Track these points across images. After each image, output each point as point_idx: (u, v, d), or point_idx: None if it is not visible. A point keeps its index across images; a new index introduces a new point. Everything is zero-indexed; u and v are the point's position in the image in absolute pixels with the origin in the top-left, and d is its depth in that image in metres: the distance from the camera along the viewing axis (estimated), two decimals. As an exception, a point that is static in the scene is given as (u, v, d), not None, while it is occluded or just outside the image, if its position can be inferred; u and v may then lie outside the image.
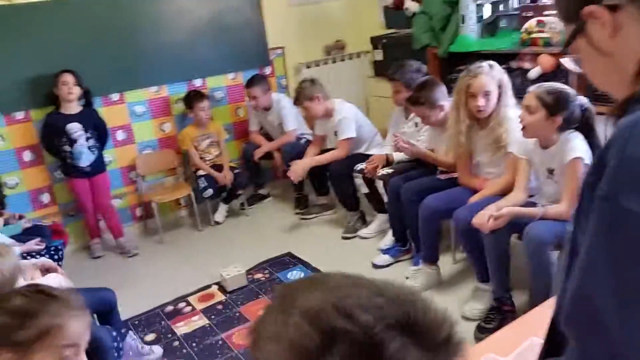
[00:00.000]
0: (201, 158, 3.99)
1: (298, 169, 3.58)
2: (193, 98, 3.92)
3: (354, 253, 3.32)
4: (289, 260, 3.34)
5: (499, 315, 2.38)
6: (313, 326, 0.49)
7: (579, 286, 0.66)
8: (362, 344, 0.48)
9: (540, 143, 2.33)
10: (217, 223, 4.01)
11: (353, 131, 3.54)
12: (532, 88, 2.29)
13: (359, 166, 3.41)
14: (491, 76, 2.52)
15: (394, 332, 0.48)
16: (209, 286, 3.11)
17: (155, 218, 3.85)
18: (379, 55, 4.29)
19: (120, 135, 3.91)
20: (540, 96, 2.21)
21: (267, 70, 4.38)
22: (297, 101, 3.63)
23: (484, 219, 2.24)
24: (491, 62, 2.60)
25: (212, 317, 2.82)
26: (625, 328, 0.61)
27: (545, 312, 1.58)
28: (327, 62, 4.61)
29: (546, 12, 3.04)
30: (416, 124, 3.27)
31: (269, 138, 4.23)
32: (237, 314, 2.81)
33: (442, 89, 2.90)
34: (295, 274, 3.16)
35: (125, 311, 2.86)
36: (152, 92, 3.99)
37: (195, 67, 4.09)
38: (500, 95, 2.54)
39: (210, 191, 3.88)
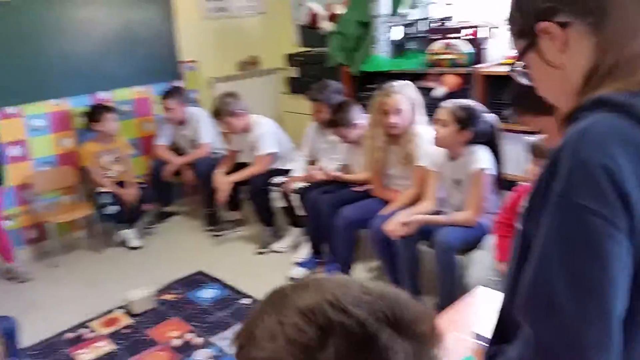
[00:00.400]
0: (104, 175, 3.75)
1: (224, 190, 3.48)
2: (99, 111, 3.70)
3: (270, 267, 3.27)
4: (200, 279, 3.21)
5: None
6: (310, 322, 0.52)
7: (535, 275, 0.69)
8: (357, 336, 0.51)
9: (449, 155, 2.45)
10: (135, 248, 3.74)
11: (274, 146, 3.52)
12: (445, 104, 2.42)
13: (277, 180, 3.38)
14: (404, 94, 2.63)
15: (383, 325, 0.52)
16: (112, 310, 2.90)
17: (51, 240, 3.54)
18: (294, 72, 4.33)
19: (14, 151, 3.59)
20: (454, 111, 2.34)
21: (178, 84, 4.26)
22: (218, 115, 3.52)
23: (395, 226, 2.31)
24: (405, 81, 2.70)
25: (120, 342, 2.62)
26: (579, 315, 0.65)
27: (462, 309, 1.65)
28: (240, 78, 4.57)
29: (452, 35, 3.23)
30: (332, 141, 3.32)
31: (179, 153, 4.08)
32: (146, 338, 2.64)
33: (357, 109, 2.98)
34: (208, 293, 3.04)
35: (23, 340, 2.59)
36: (52, 105, 3.71)
37: (101, 79, 3.88)
38: (412, 112, 2.63)
39: (114, 208, 3.65)
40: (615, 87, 0.71)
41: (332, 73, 3.86)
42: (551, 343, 0.68)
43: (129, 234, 3.77)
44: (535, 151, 2.09)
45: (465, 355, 1.42)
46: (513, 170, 2.71)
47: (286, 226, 3.55)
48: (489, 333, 1.40)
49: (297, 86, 4.30)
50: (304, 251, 3.25)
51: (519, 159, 2.87)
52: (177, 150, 4.10)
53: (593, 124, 0.68)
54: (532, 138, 2.17)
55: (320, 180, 3.15)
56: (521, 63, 0.83)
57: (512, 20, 0.83)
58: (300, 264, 3.14)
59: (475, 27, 3.13)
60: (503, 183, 2.46)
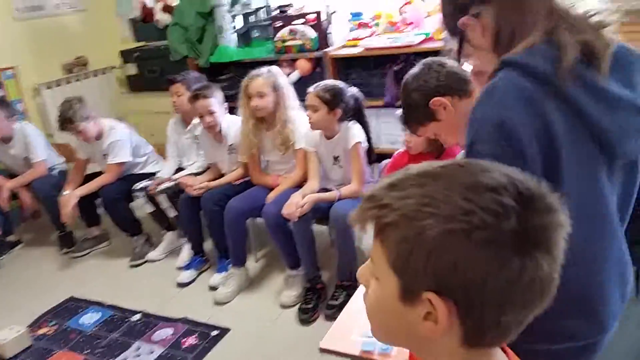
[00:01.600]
0: None
1: (68, 207, 3.15)
2: None
3: (151, 278, 3.10)
4: (75, 305, 2.92)
5: (314, 294, 2.57)
6: (502, 195, 0.54)
7: None
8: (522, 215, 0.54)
9: (324, 135, 2.60)
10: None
11: (128, 155, 3.29)
12: (310, 89, 2.53)
13: (140, 185, 3.19)
14: (266, 79, 2.68)
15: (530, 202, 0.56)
16: (-22, 360, 2.50)
17: None
18: (132, 69, 4.07)
19: None
20: (320, 94, 2.47)
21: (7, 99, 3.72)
22: (71, 124, 3.14)
23: (292, 208, 2.40)
24: (271, 67, 2.76)
25: (-2, 393, 2.29)
26: None
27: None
28: (69, 81, 4.15)
29: (295, 22, 3.37)
30: (195, 137, 3.24)
31: (11, 175, 3.59)
32: (31, 380, 2.34)
33: (221, 95, 2.94)
34: (89, 317, 2.78)
35: None
36: None
37: None
38: (280, 97, 2.71)
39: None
40: (517, 50, 0.88)
41: (177, 66, 3.74)
42: None
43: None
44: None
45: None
46: (377, 142, 3.00)
47: (158, 232, 3.38)
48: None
49: (138, 84, 4.07)
50: (185, 253, 3.15)
51: (379, 132, 3.18)
52: (6, 172, 3.60)
53: (495, 83, 0.85)
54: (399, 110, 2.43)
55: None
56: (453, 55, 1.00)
57: (443, 23, 1.00)
58: (186, 267, 3.04)
59: (317, 12, 3.32)
60: (372, 154, 2.69)
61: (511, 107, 0.81)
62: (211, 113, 2.85)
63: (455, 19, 0.93)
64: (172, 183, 3.11)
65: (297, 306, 2.57)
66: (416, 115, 1.41)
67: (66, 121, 3.14)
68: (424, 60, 1.46)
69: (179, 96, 3.13)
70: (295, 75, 3.42)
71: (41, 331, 2.69)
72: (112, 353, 2.46)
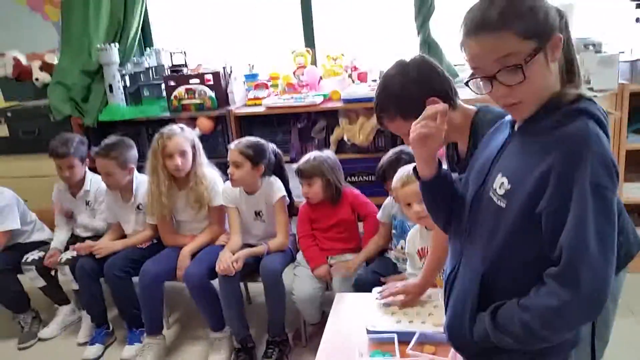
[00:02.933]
0: None
1: None
2: None
3: (47, 359, 2.75)
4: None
5: (246, 354, 2.52)
6: None
7: (574, 242, 0.93)
8: None
9: (245, 190, 2.63)
10: None
11: (17, 222, 2.94)
12: (232, 145, 2.58)
13: (30, 257, 2.86)
14: (184, 137, 2.67)
15: None
16: None
17: None
18: (2, 130, 3.67)
19: None
20: (243, 151, 2.52)
21: None
22: None
23: (227, 263, 2.38)
24: (181, 124, 2.74)
25: None
26: (606, 262, 0.93)
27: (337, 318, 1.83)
28: None
29: (191, 81, 3.40)
30: (87, 202, 3.02)
31: None
32: None
33: (134, 153, 2.83)
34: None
35: None
36: None
37: None
38: (194, 155, 2.70)
39: None
40: (575, 90, 1.01)
41: (60, 126, 3.48)
42: (589, 291, 0.91)
43: None
44: (304, 173, 2.52)
45: (370, 353, 1.65)
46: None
47: (47, 307, 3.02)
48: (380, 326, 1.67)
49: (10, 146, 3.67)
50: (86, 327, 2.86)
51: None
52: None
53: (591, 131, 0.95)
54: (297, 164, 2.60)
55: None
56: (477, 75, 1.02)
57: (525, 18, 0.96)
58: (90, 342, 2.76)
59: (216, 72, 3.40)
60: (292, 207, 2.79)
61: (608, 148, 0.96)
62: (109, 174, 2.74)
63: (550, 29, 0.97)
64: (73, 252, 2.84)
65: (236, 365, 2.49)
66: (403, 105, 1.41)
67: None
68: (421, 57, 1.48)
69: (71, 169, 2.91)
70: (196, 133, 3.41)
71: None
72: None
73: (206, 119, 3.39)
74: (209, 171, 2.75)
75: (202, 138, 3.32)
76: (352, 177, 3.24)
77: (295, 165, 2.65)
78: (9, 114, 3.62)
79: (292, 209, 2.77)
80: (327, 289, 2.52)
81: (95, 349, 2.72)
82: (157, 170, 2.65)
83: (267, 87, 3.50)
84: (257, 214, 2.67)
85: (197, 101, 3.40)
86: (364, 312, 1.80)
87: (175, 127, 2.69)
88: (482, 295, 1.07)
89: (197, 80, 3.39)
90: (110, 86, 3.45)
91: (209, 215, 2.75)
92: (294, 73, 3.47)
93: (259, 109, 3.28)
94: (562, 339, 1.01)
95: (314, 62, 3.58)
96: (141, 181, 2.84)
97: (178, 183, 2.72)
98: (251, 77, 3.57)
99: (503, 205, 1.02)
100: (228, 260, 2.39)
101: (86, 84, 3.54)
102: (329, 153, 2.65)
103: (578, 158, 0.92)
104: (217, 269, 2.40)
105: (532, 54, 0.95)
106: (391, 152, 2.47)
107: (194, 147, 2.70)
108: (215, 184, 2.72)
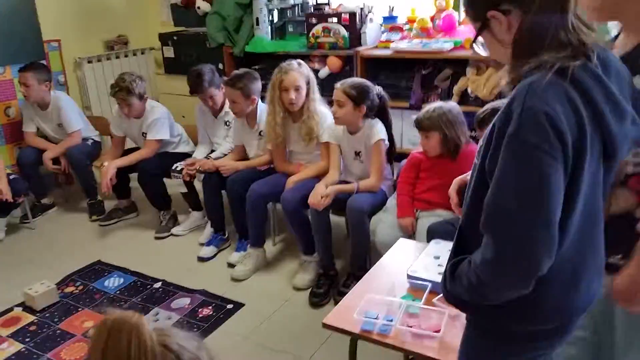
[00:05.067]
0: None
1: (107, 177, 3.33)
2: None
3: (174, 251, 3.28)
4: (101, 268, 3.11)
5: (327, 280, 2.71)
6: None
7: (494, 196, 0.93)
8: None
9: (348, 130, 2.73)
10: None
11: (167, 133, 3.47)
12: (338, 85, 2.66)
13: (178, 166, 3.35)
14: (300, 73, 2.82)
15: None
16: (10, 309, 2.71)
17: None
18: (169, 52, 4.25)
19: None
20: (347, 90, 2.60)
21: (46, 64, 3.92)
22: (126, 94, 3.29)
23: (318, 198, 2.54)
24: (299, 60, 2.90)
25: (27, 340, 2.48)
26: (529, 225, 0.90)
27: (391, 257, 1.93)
28: (109, 58, 4.35)
29: (330, 20, 3.51)
30: (226, 123, 3.40)
31: (49, 141, 3.80)
32: (57, 332, 2.53)
33: (259, 85, 3.07)
34: (113, 281, 2.97)
35: None
36: None
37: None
38: (308, 90, 2.85)
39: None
40: (547, 57, 0.93)
41: (213, 53, 3.91)
42: (509, 247, 0.91)
43: (-3, 226, 3.48)
44: (422, 126, 2.48)
45: (402, 294, 1.73)
46: (398, 141, 3.14)
47: (185, 209, 3.56)
48: (420, 273, 1.73)
49: (173, 66, 4.25)
50: (208, 231, 3.32)
51: (402, 132, 3.32)
52: (44, 138, 3.81)
53: (537, 81, 0.91)
54: (417, 114, 2.56)
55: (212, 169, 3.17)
56: (480, 39, 1.06)
57: (467, 9, 1.08)
58: (207, 243, 3.21)
59: (352, 12, 3.45)
60: (393, 153, 2.83)
61: (553, 102, 0.89)
62: (234, 102, 3.02)
63: (486, 9, 1.00)
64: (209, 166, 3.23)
65: (309, 290, 2.72)
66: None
67: (122, 90, 3.29)
68: None
69: (212, 98, 3.28)
70: (325, 71, 3.56)
71: (68, 289, 2.89)
72: (134, 315, 2.63)
73: (336, 58, 3.51)
74: (322, 108, 2.89)
75: (330, 77, 3.50)
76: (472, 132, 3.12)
77: (414, 115, 2.63)
78: (175, 38, 4.15)
79: (391, 154, 2.81)
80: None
81: (210, 250, 3.16)
82: (274, 102, 2.86)
83: (401, 31, 3.46)
84: (357, 154, 2.76)
85: (331, 40, 3.51)
86: (417, 258, 1.85)
87: (293, 63, 2.85)
88: (459, 248, 1.09)
89: (334, 19, 3.49)
90: (257, 20, 3.73)
91: (319, 149, 2.92)
92: (431, 18, 3.36)
93: (386, 52, 3.28)
94: (503, 299, 0.98)
95: (456, 7, 3.40)
96: (264, 110, 3.10)
97: (292, 115, 2.92)
98: (389, 19, 3.55)
99: (477, 161, 1.04)
100: (319, 195, 2.55)
101: (239, 16, 3.86)
102: (452, 105, 2.52)
103: (510, 114, 0.91)
104: (308, 200, 2.58)
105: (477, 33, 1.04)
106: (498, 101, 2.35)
107: (308, 83, 2.84)
108: (326, 120, 2.85)
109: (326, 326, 1.63)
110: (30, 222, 3.68)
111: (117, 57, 4.40)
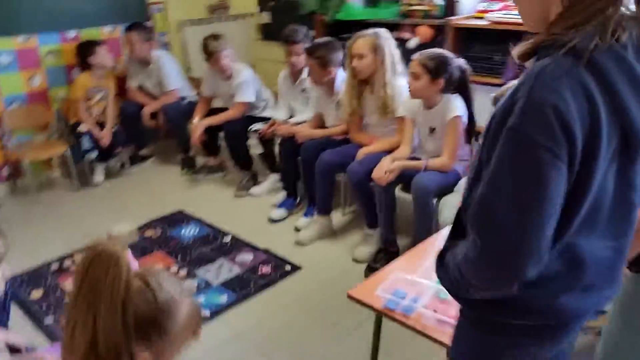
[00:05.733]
0: (88, 112, 3.76)
1: (197, 133, 3.53)
2: (91, 45, 3.70)
3: (249, 209, 3.41)
4: (180, 217, 3.33)
5: (385, 255, 2.66)
6: None
7: (484, 194, 0.83)
8: None
9: (424, 104, 2.61)
10: (97, 184, 3.82)
11: (252, 96, 3.58)
12: (415, 56, 2.54)
13: (255, 127, 3.46)
14: (367, 41, 2.72)
15: None
16: (97, 245, 3.00)
17: (26, 178, 3.56)
18: (266, 18, 4.33)
19: (-19, 88, 3.52)
20: (423, 62, 2.47)
21: (148, 25, 4.19)
22: (215, 55, 3.46)
23: (382, 172, 2.48)
24: (378, 29, 2.79)
25: (106, 274, 2.74)
26: (519, 228, 0.79)
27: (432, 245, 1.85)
28: (210, 22, 4.53)
29: (425, -13, 3.33)
30: (304, 90, 3.41)
31: (150, 96, 4.08)
32: (133, 271, 2.77)
33: (339, 55, 3.03)
34: (189, 230, 3.17)
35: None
36: (19, 42, 3.62)
37: (68, 17, 3.79)
38: (381, 61, 2.73)
39: (94, 153, 3.69)
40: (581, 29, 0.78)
41: (305, 20, 3.90)
42: (493, 250, 0.82)
43: (98, 171, 3.85)
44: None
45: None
46: (479, 120, 2.93)
47: (264, 172, 3.67)
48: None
49: (269, 32, 4.33)
50: (281, 194, 3.40)
51: (485, 110, 3.10)
52: (146, 94, 4.09)
53: (548, 66, 0.78)
54: (496, 91, 2.36)
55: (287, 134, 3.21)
56: None
57: None
58: (279, 206, 3.29)
59: (449, -21, 3.24)
60: (472, 132, 2.66)
61: (564, 92, 0.76)
62: (311, 71, 3.00)
63: None
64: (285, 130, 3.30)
65: (367, 263, 2.69)
66: None
67: (212, 52, 3.46)
68: None
69: (298, 56, 3.29)
70: (415, 41, 3.41)
71: (148, 233, 3.14)
72: (199, 263, 2.81)
73: (427, 28, 3.34)
74: (399, 80, 2.77)
75: (421, 47, 3.34)
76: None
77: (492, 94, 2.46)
78: (273, 3, 4.21)
79: (471, 133, 2.64)
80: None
81: (281, 212, 3.24)
82: (348, 69, 2.82)
83: (502, 0, 3.20)
84: (432, 130, 2.63)
85: (425, 7, 3.35)
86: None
87: (369, 31, 2.76)
88: (455, 232, 1.01)
89: (429, -13, 3.31)
90: (351, -15, 3.65)
91: (395, 123, 2.83)
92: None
93: (480, 23, 3.06)
94: (486, 297, 0.92)
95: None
96: (343, 79, 3.06)
97: (369, 86, 2.84)
98: (491, -13, 3.30)
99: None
100: (383, 169, 2.48)
101: (334, -18, 3.81)
102: None
103: (514, 103, 0.79)
104: (372, 174, 2.53)
105: None
106: None
107: (377, 52, 2.72)
108: (403, 94, 2.75)
109: (350, 298, 1.60)
110: (128, 170, 4.02)
111: (219, 22, 4.56)
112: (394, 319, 1.50)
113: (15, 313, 2.33)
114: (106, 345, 0.82)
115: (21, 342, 1.52)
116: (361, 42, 2.71)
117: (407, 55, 2.95)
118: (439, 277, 0.99)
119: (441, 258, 0.98)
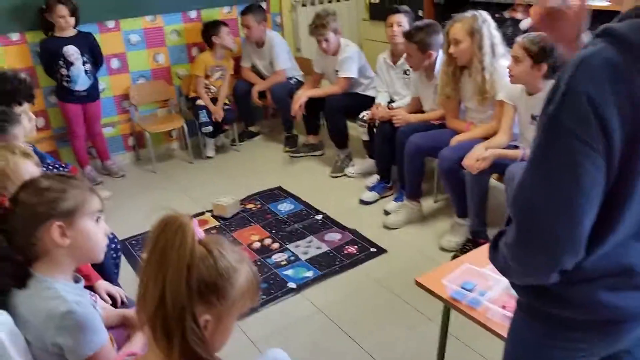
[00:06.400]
0: (207, 89, 4.05)
1: (297, 103, 3.64)
2: (217, 25, 3.96)
3: (342, 190, 3.49)
4: (279, 193, 3.50)
5: (474, 247, 2.58)
6: None
7: (523, 179, 0.84)
8: None
9: (526, 90, 2.47)
10: (209, 157, 4.12)
11: (355, 72, 3.61)
12: (518, 39, 2.40)
13: (364, 115, 3.46)
14: (463, 25, 2.61)
15: None
16: (202, 213, 3.26)
17: (148, 148, 3.94)
18: (377, -3, 4.32)
19: (114, 64, 3.93)
20: (526, 46, 2.33)
21: (263, 6, 4.37)
22: (322, 29, 3.52)
23: (473, 160, 2.40)
24: (477, 11, 2.66)
25: (207, 240, 2.99)
26: (553, 220, 0.80)
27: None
28: (322, 2, 4.61)
29: (543, -36, 3.10)
30: (405, 72, 3.37)
31: (260, 76, 4.28)
32: (231, 238, 2.98)
33: (439, 38, 2.95)
34: (285, 206, 3.32)
35: (121, 232, 3.01)
36: (147, 22, 3.98)
37: (190, -3, 4.07)
38: (478, 44, 2.61)
39: (210, 128, 3.97)
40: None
41: (413, 0, 3.83)
42: (528, 235, 0.83)
43: (209, 146, 4.13)
44: None
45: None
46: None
47: (363, 154, 3.70)
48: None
49: (377, 12, 4.30)
50: (375, 177, 3.42)
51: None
52: (257, 73, 4.29)
53: (591, 56, 0.76)
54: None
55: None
56: None
57: None
58: (371, 188, 3.32)
59: (572, -44, 2.99)
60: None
61: (602, 82, 0.76)
62: (410, 56, 2.94)
63: None
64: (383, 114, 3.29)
65: (454, 253, 2.64)
66: None
67: (318, 27, 3.54)
68: None
69: (399, 26, 3.26)
70: (527, 22, 3.18)
71: (249, 206, 3.34)
72: (289, 238, 2.94)
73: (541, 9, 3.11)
74: (500, 64, 2.64)
75: (532, 28, 3.13)
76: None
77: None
78: (382, -16, 4.17)
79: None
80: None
81: (372, 195, 3.28)
82: (445, 53, 2.74)
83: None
84: (533, 118, 2.48)
85: (542, -13, 3.12)
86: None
87: (467, 14, 2.65)
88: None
89: (549, -37, 3.08)
90: (463, -37, 3.50)
91: (494, 108, 2.72)
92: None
93: (599, 3, 2.79)
94: (526, 283, 0.93)
95: None
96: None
97: (468, 71, 2.74)
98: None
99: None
100: (475, 157, 2.40)
101: (446, -40, 3.68)
102: None
103: (557, 89, 0.79)
104: (463, 161, 2.46)
105: None
106: None
107: (474, 36, 2.60)
108: (503, 77, 2.62)
109: (418, 284, 1.60)
110: (237, 146, 4.28)
111: (330, 1, 4.63)
112: (460, 310, 1.49)
113: (127, 272, 2.63)
114: (172, 303, 0.90)
115: (121, 294, 1.72)
116: (458, 26, 2.62)
117: (518, 36, 2.78)
118: (491, 260, 0.99)
119: (495, 242, 0.98)
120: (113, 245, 2.22)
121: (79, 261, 1.38)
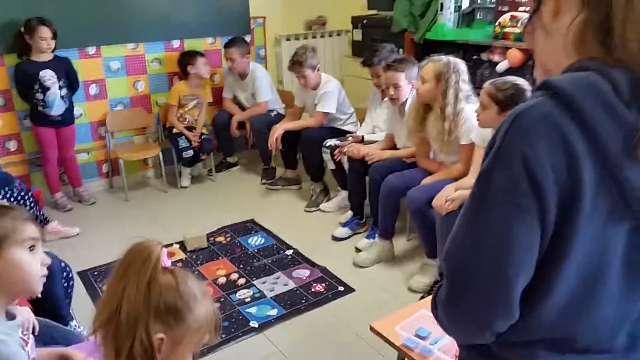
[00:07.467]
0: (182, 117, 4.02)
1: (274, 136, 3.62)
2: (193, 55, 3.96)
3: (315, 225, 3.44)
4: (251, 227, 3.43)
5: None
6: None
7: (455, 233, 0.79)
8: None
9: (497, 132, 2.46)
10: (183, 187, 4.06)
11: (333, 107, 3.62)
12: (486, 84, 2.39)
13: (329, 142, 3.48)
14: (433, 67, 2.62)
15: None
16: (170, 244, 3.18)
17: (122, 176, 3.88)
18: (358, 35, 4.36)
19: (93, 90, 3.90)
20: (492, 93, 2.31)
21: (247, 39, 4.40)
22: (299, 67, 3.54)
23: (442, 201, 2.37)
24: (453, 60, 2.64)
25: (171, 273, 2.90)
26: (480, 278, 0.75)
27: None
28: (307, 37, 4.66)
29: (521, 8, 3.16)
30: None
31: (242, 107, 4.27)
32: (196, 272, 2.89)
33: (414, 72, 2.97)
34: (256, 240, 3.25)
35: (85, 262, 2.92)
36: (129, 49, 3.97)
37: (174, 27, 4.08)
38: (444, 89, 2.59)
39: (190, 152, 3.92)
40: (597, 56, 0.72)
41: (395, 38, 3.87)
42: (459, 298, 0.78)
43: (184, 175, 4.08)
44: None
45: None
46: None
47: (335, 187, 3.67)
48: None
49: (359, 49, 4.34)
50: (349, 212, 3.37)
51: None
52: (239, 104, 4.28)
53: (527, 110, 0.71)
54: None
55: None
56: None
57: None
58: (344, 224, 3.27)
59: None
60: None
61: (537, 141, 0.70)
62: (396, 87, 2.93)
63: None
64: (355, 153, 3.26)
65: (422, 294, 2.58)
66: None
67: (295, 64, 3.56)
68: None
69: (378, 77, 3.27)
70: (504, 64, 3.24)
71: (218, 238, 3.27)
72: (258, 274, 2.87)
73: (518, 51, 3.16)
74: (466, 107, 2.62)
75: (510, 71, 3.16)
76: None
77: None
78: (364, 21, 4.22)
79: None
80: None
81: (344, 231, 3.23)
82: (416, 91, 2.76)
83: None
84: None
85: (518, 30, 3.17)
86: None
87: (443, 58, 2.64)
88: None
89: (525, 8, 3.14)
90: (442, 5, 3.55)
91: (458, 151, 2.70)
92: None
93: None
94: (459, 339, 0.91)
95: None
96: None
97: (433, 111, 2.73)
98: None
99: None
100: (444, 197, 2.37)
101: (427, 1, 3.74)
102: None
103: (493, 143, 0.75)
104: (433, 202, 2.42)
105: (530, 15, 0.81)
106: None
107: (440, 80, 2.60)
108: (468, 120, 2.60)
109: (373, 330, 1.54)
110: (213, 176, 4.22)
111: (314, 37, 4.67)
112: (411, 359, 1.42)
113: (86, 303, 2.54)
114: (127, 312, 0.93)
115: (34, 326, 1.58)
116: (430, 66, 2.64)
117: (494, 78, 2.79)
118: (432, 314, 0.92)
119: (435, 295, 0.92)
120: (65, 274, 2.15)
121: (12, 294, 1.30)
